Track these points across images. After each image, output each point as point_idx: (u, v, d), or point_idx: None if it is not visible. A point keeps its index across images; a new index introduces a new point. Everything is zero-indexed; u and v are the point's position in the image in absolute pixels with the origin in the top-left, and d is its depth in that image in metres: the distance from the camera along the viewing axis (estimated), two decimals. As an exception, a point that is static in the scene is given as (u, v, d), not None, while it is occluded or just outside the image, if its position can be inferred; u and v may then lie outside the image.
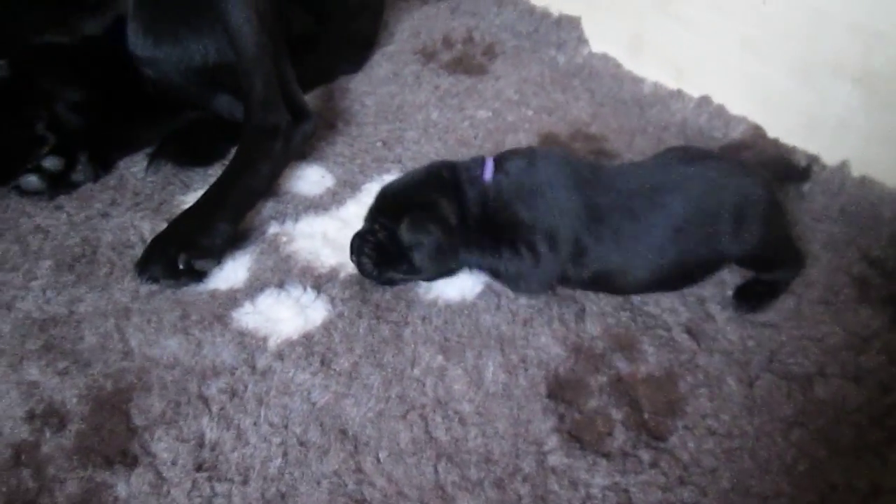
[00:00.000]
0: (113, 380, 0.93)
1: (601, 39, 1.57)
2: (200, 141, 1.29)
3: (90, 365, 0.96)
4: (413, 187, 1.06)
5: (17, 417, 0.90)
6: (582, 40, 1.59)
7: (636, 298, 1.05)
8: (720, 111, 1.40)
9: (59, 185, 1.21)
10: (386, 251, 1.03)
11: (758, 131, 1.36)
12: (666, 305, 1.04)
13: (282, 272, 1.09)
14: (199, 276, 1.07)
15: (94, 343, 0.98)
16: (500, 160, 1.06)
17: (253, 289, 1.06)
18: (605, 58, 1.55)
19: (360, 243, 1.04)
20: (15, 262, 1.10)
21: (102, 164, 1.25)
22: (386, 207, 1.05)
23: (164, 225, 1.14)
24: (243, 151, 1.19)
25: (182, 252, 1.04)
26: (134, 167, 1.29)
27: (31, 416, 0.90)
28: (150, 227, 1.15)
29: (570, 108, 1.45)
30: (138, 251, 1.11)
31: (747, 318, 1.03)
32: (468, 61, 1.59)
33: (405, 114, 1.42)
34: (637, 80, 1.50)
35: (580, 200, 1.01)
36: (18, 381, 0.94)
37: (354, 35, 1.56)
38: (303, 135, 1.25)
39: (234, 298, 1.04)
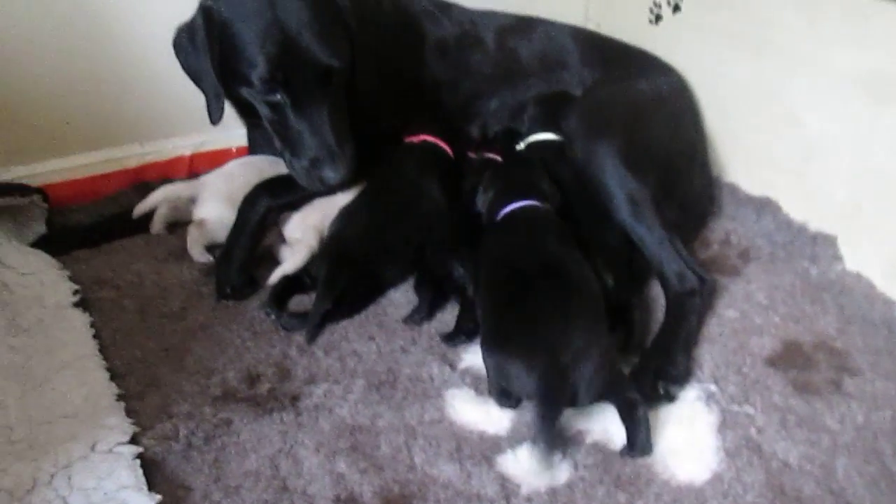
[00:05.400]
0: (399, 485, 1.19)
1: (856, 259, 1.66)
2: None
3: (383, 469, 1.22)
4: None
5: (328, 498, 1.18)
6: (836, 257, 1.69)
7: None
8: (976, 345, 1.42)
9: None
10: None
11: None
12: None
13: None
14: (672, 398, 1.35)
15: (388, 453, 1.26)
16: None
17: (513, 439, 1.28)
18: (858, 277, 1.64)
19: None
20: (337, 376, 1.43)
21: None
22: None
23: (448, 369, 1.43)
24: (675, 310, 1.52)
25: (660, 380, 1.36)
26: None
27: (337, 500, 1.18)
28: (437, 369, 1.43)
29: (817, 320, 1.55)
30: (427, 386, 1.39)
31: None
32: (722, 261, 1.75)
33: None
34: (890, 303, 1.56)
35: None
36: (331, 470, 1.23)
37: None
38: (709, 290, 1.58)
39: (498, 444, 1.27)
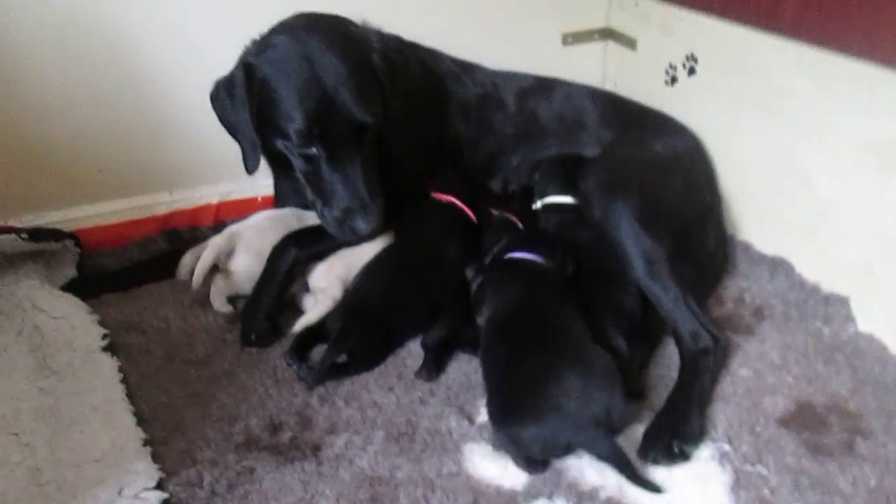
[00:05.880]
0: (418, 539, 1.22)
1: (868, 321, 1.68)
2: None
3: (402, 522, 1.25)
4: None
5: (346, 550, 1.21)
6: (849, 318, 1.71)
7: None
8: None
9: None
10: None
11: None
12: None
13: (553, 484, 1.32)
14: (686, 457, 1.37)
15: (406, 505, 1.29)
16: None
17: (529, 494, 1.31)
18: (870, 338, 1.66)
19: None
20: (358, 426, 1.46)
21: None
22: None
23: (466, 422, 1.45)
24: (689, 369, 1.55)
25: (674, 438, 1.37)
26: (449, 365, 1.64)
27: (356, 552, 1.20)
28: (455, 422, 1.46)
29: (830, 381, 1.56)
30: (445, 438, 1.42)
31: None
32: (736, 319, 1.78)
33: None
34: (902, 365, 1.58)
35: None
36: (351, 521, 1.26)
37: None
38: (723, 349, 1.61)
39: (514, 498, 1.30)
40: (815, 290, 1.79)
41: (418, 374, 1.59)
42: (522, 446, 1.32)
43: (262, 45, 1.64)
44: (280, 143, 1.67)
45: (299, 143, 1.63)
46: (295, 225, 1.87)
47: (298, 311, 1.76)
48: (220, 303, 1.80)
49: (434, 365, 1.60)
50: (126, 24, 1.93)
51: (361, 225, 1.66)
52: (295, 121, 1.59)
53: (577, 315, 1.51)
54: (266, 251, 1.79)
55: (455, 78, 2.00)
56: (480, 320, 1.58)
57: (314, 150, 1.64)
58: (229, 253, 1.84)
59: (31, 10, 1.83)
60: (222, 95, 1.68)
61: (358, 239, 1.73)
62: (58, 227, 1.94)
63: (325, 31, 1.65)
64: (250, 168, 1.70)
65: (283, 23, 1.69)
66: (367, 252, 1.77)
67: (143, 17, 1.94)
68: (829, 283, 1.78)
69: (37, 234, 1.82)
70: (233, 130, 1.71)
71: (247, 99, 1.61)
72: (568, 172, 1.86)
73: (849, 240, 1.71)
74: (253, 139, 1.65)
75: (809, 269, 1.83)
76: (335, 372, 1.58)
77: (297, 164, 1.69)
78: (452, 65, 2.02)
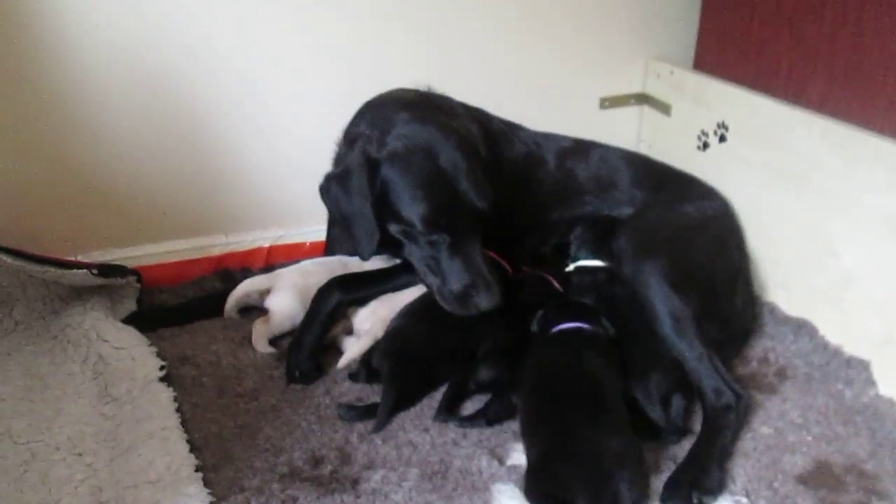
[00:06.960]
0: (446, 572, 1.30)
1: (889, 385, 1.74)
2: None
3: (432, 555, 1.33)
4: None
5: (380, 578, 1.29)
6: (870, 382, 1.76)
7: None
8: None
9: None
10: None
11: None
12: None
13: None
14: None
15: (436, 541, 1.37)
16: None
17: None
18: (890, 402, 1.71)
19: None
20: (393, 463, 1.55)
21: None
22: None
23: (496, 463, 1.54)
24: (711, 424, 1.61)
25: (694, 490, 1.45)
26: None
27: (389, 580, 1.29)
28: (486, 463, 1.54)
29: (848, 443, 1.62)
30: (476, 479, 1.50)
31: None
32: (760, 378, 1.84)
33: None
34: (920, 431, 1.63)
35: None
36: (384, 552, 1.35)
37: None
38: (745, 406, 1.66)
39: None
40: (837, 352, 1.85)
41: (436, 417, 1.68)
42: (557, 484, 1.37)
43: (380, 140, 1.74)
44: (395, 229, 1.77)
45: (426, 232, 1.73)
46: (340, 271, 1.99)
47: (340, 353, 1.87)
48: (262, 345, 1.92)
49: (447, 409, 1.69)
50: (190, 84, 2.09)
51: (486, 300, 1.72)
52: (422, 213, 1.70)
53: (620, 386, 1.59)
54: (307, 292, 1.91)
55: (505, 137, 2.12)
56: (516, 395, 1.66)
57: (437, 236, 1.74)
58: (267, 290, 1.97)
59: (103, 73, 2.00)
60: (335, 189, 1.79)
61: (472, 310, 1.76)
62: (122, 263, 2.09)
63: (436, 123, 1.75)
64: (366, 255, 1.81)
65: (384, 112, 1.80)
66: (409, 297, 1.88)
67: (206, 79, 2.11)
68: (852, 346, 1.84)
69: (106, 269, 1.96)
70: (347, 220, 1.81)
71: (368, 191, 1.71)
72: (599, 236, 1.97)
73: (870, 307, 1.78)
74: (371, 228, 1.75)
75: (832, 332, 1.89)
76: (371, 410, 1.68)
77: (417, 249, 1.78)
78: (501, 124, 2.15)
